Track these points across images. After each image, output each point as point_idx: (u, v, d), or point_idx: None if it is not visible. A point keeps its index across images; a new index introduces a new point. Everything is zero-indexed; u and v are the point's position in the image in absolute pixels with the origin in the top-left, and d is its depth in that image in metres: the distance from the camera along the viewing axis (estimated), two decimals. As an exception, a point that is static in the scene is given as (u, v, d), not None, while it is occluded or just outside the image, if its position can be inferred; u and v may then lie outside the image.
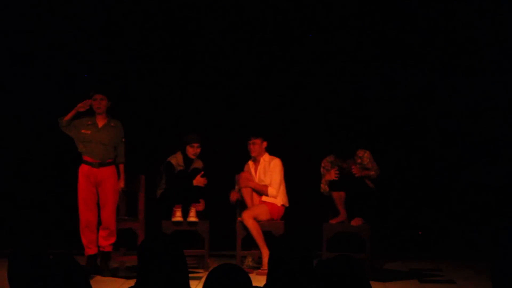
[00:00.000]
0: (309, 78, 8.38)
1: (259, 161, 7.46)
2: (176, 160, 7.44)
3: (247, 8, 8.34)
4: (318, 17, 8.32)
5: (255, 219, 7.22)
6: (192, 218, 7.33)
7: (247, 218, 7.19)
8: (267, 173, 7.40)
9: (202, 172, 7.33)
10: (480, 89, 8.12)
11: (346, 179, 7.28)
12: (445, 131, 8.24)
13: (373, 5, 8.22)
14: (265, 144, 7.41)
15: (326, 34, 8.32)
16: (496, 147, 8.04)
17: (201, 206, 7.44)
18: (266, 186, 7.37)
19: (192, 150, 7.39)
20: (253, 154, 7.42)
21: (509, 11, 7.94)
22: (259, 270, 7.05)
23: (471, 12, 8.06)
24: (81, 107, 6.97)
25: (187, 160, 7.45)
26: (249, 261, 7.42)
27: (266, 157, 7.43)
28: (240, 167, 7.57)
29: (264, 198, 7.39)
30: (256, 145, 7.37)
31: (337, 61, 8.31)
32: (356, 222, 7.22)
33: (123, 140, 7.25)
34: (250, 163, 7.53)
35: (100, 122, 7.13)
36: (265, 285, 3.25)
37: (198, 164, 7.48)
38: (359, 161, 7.32)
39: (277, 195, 7.35)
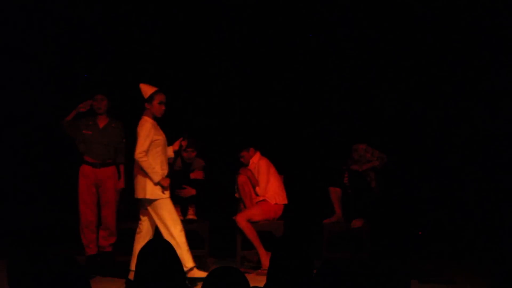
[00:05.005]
0: (310, 76, 8.40)
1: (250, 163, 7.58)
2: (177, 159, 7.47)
3: (247, 11, 8.35)
4: (315, 16, 8.34)
5: (250, 220, 7.25)
6: (191, 216, 7.36)
7: (240, 221, 7.23)
8: (256, 174, 7.47)
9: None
10: (482, 89, 8.12)
11: (342, 179, 7.36)
12: (445, 131, 8.24)
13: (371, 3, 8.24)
14: (251, 150, 7.48)
15: (325, 33, 8.34)
16: (497, 147, 8.05)
17: (192, 191, 7.43)
18: (257, 182, 7.42)
19: (186, 155, 7.42)
20: (245, 163, 7.52)
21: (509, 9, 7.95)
22: (259, 270, 7.06)
23: (471, 9, 8.07)
24: (82, 107, 6.98)
25: (185, 162, 7.46)
26: (247, 264, 7.42)
27: (255, 158, 7.50)
28: (240, 167, 7.59)
29: (256, 198, 7.44)
30: (245, 157, 7.48)
31: (336, 60, 8.33)
32: (356, 223, 7.24)
33: (124, 140, 7.26)
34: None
35: (101, 122, 7.14)
36: (265, 285, 3.25)
37: (200, 163, 7.51)
38: (356, 156, 7.37)
39: (263, 194, 7.39)
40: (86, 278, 3.17)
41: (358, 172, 7.30)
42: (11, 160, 8.37)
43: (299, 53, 8.39)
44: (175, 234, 6.34)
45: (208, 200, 7.57)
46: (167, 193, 6.38)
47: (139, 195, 6.40)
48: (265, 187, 7.42)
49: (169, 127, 8.31)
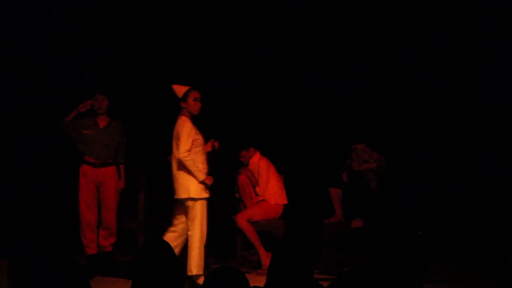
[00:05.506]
0: (310, 76, 8.40)
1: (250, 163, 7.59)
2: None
3: (247, 11, 8.36)
4: (316, 16, 8.34)
5: (250, 220, 7.26)
6: None
7: (241, 221, 7.25)
8: (255, 174, 7.47)
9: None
10: (482, 90, 8.13)
11: (342, 177, 7.38)
12: (446, 131, 8.24)
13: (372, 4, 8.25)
14: (251, 150, 7.50)
15: (325, 33, 8.35)
16: (497, 148, 8.05)
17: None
18: (257, 182, 7.42)
19: None
20: (245, 163, 7.53)
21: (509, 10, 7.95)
22: (259, 270, 7.06)
23: (471, 11, 8.07)
24: (82, 107, 6.98)
25: None
26: (247, 264, 7.43)
27: (255, 158, 7.52)
28: (240, 167, 7.59)
29: (256, 198, 7.45)
30: (245, 157, 7.49)
31: (337, 59, 8.33)
32: (356, 223, 7.25)
33: (124, 140, 7.26)
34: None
35: (102, 122, 7.14)
36: (265, 285, 3.25)
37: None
38: (355, 156, 7.38)
39: (263, 194, 7.39)
40: (86, 278, 3.17)
41: (358, 172, 7.30)
42: (11, 159, 8.37)
43: (300, 53, 8.39)
44: (198, 236, 6.31)
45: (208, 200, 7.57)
46: (208, 193, 6.36)
47: (182, 195, 6.37)
48: (265, 187, 7.42)
49: (170, 128, 8.34)
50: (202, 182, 6.32)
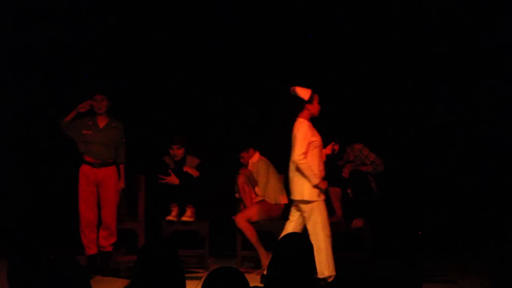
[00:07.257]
0: (310, 76, 8.39)
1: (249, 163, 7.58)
2: (170, 159, 7.47)
3: (247, 11, 8.36)
4: (315, 16, 8.34)
5: (249, 220, 7.26)
6: (186, 217, 7.34)
7: (240, 221, 7.24)
8: (255, 174, 7.46)
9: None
10: (481, 91, 8.13)
11: (341, 175, 7.36)
12: (445, 131, 8.24)
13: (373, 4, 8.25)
14: (251, 151, 7.49)
15: (326, 33, 8.34)
16: (497, 147, 8.05)
17: (175, 180, 7.38)
18: (257, 182, 7.43)
19: (171, 152, 7.42)
20: (245, 164, 7.52)
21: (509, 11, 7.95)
22: (259, 270, 7.06)
23: (472, 13, 8.07)
24: (82, 107, 6.98)
25: (177, 161, 7.46)
26: (247, 264, 7.43)
27: (254, 158, 7.51)
28: (240, 167, 7.59)
29: (256, 198, 7.45)
30: (245, 157, 7.48)
31: (337, 59, 8.33)
32: (357, 223, 7.24)
33: (124, 140, 7.25)
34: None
35: (101, 122, 7.14)
36: (265, 285, 3.25)
37: (195, 161, 7.48)
38: (352, 156, 7.37)
39: (263, 194, 7.39)
40: (86, 278, 3.17)
41: (360, 171, 7.29)
42: (11, 160, 8.36)
43: (299, 53, 8.38)
44: (322, 238, 6.21)
45: (208, 200, 7.56)
46: (323, 196, 6.31)
47: (296, 196, 6.34)
48: (265, 187, 7.42)
49: (170, 128, 8.35)
50: (316, 186, 6.27)
